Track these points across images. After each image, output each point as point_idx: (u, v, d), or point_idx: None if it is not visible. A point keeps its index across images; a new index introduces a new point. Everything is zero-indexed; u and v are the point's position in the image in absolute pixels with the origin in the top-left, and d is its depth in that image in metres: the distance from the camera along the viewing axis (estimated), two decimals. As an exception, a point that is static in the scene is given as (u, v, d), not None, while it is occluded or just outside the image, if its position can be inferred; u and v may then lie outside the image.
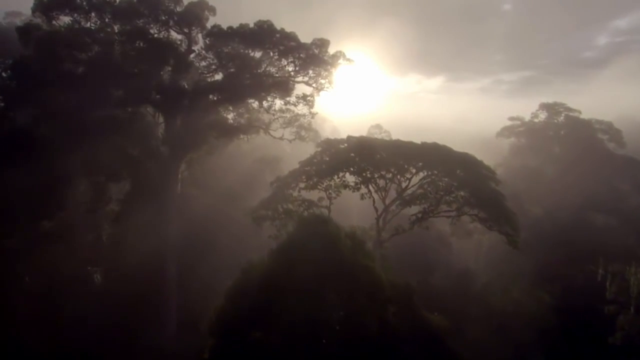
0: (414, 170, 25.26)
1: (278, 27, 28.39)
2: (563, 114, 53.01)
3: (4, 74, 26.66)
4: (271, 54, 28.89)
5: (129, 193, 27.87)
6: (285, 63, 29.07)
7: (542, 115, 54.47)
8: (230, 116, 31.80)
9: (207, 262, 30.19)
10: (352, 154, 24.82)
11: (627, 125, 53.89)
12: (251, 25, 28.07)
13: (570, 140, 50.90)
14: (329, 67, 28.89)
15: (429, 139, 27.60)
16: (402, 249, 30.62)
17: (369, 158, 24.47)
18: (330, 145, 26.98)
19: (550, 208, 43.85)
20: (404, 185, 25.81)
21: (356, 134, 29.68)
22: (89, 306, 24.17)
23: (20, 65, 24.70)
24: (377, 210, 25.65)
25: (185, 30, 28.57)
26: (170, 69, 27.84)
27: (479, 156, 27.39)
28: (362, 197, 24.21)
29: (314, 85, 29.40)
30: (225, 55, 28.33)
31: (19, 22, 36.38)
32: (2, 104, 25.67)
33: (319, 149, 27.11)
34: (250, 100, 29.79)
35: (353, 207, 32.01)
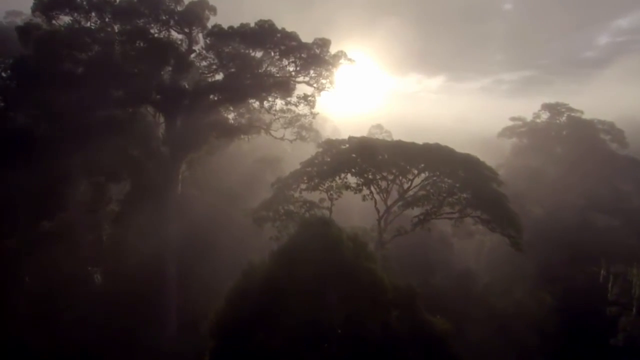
0: (415, 172, 25.13)
1: (279, 27, 28.29)
2: (565, 114, 52.80)
3: (3, 74, 26.54)
4: (272, 53, 28.77)
5: (129, 193, 27.81)
6: (286, 63, 28.95)
7: (544, 116, 54.27)
8: (230, 116, 31.74)
9: (208, 263, 30.12)
10: (354, 155, 24.70)
11: (628, 125, 53.60)
12: (252, 25, 27.95)
13: (572, 140, 50.71)
14: (330, 67, 28.77)
15: (430, 138, 27.51)
16: (403, 250, 30.53)
17: (370, 159, 24.35)
18: (331, 146, 26.86)
19: (552, 209, 43.71)
20: (405, 186, 25.68)
21: (357, 134, 29.60)
22: (89, 306, 24.12)
23: (20, 65, 24.62)
24: (378, 212, 25.54)
25: (186, 30, 28.45)
26: (170, 69, 27.73)
27: (480, 156, 27.28)
28: (364, 198, 24.08)
29: (315, 85, 29.27)
30: (226, 55, 28.21)
31: (19, 21, 36.27)
32: (2, 104, 25.56)
33: (320, 150, 27.00)
34: (251, 101, 29.67)
35: (354, 208, 31.93)
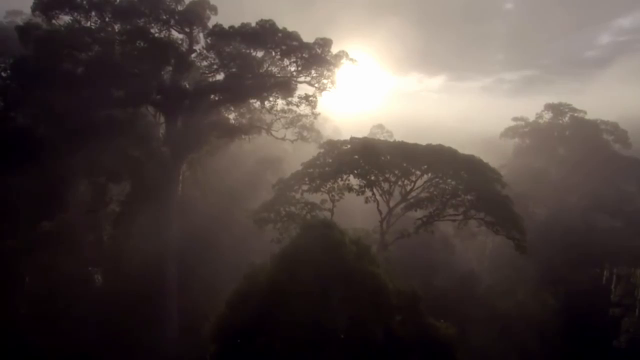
0: (418, 173, 24.92)
1: (280, 27, 28.08)
2: (568, 115, 52.46)
3: (3, 74, 26.40)
4: (273, 53, 28.58)
5: (130, 194, 27.73)
6: (288, 63, 28.77)
7: (547, 116, 53.94)
8: (231, 116, 31.60)
9: (209, 264, 30.02)
10: (356, 156, 24.50)
11: (630, 125, 53.20)
12: (253, 24, 27.74)
13: (575, 141, 50.40)
14: (331, 67, 28.56)
15: (431, 138, 27.35)
16: (405, 250, 30.35)
17: (373, 161, 24.13)
18: (333, 147, 26.68)
19: (555, 209, 43.52)
20: (408, 188, 25.48)
21: (358, 133, 29.45)
22: (89, 307, 24.05)
23: (20, 65, 24.48)
24: (381, 213, 25.36)
25: (187, 29, 28.26)
26: (171, 68, 27.58)
27: (482, 156, 27.15)
28: (367, 200, 23.85)
29: (316, 85, 29.08)
30: (226, 55, 28.03)
31: (19, 20, 36.11)
32: (2, 104, 25.44)
33: (322, 151, 26.82)
34: (252, 101, 29.49)
35: (356, 209, 31.72)
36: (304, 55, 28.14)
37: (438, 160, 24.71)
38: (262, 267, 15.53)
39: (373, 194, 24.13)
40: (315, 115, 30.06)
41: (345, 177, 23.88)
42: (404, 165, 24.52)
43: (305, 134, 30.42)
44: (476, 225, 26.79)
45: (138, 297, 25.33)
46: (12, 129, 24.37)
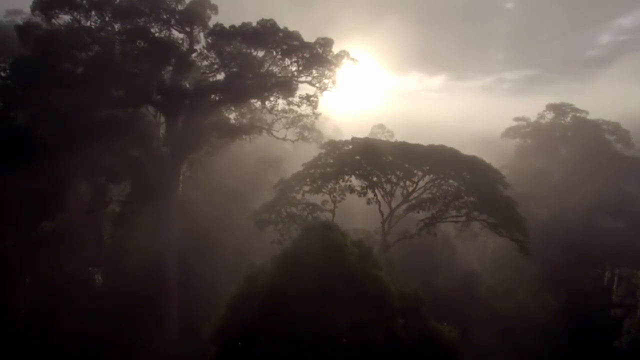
0: (420, 174, 24.75)
1: (281, 26, 27.93)
2: (570, 115, 52.23)
3: (3, 74, 26.30)
4: (274, 53, 28.43)
5: (130, 194, 27.66)
6: (289, 63, 28.60)
7: (549, 116, 53.70)
8: (232, 116, 31.44)
9: (209, 264, 29.96)
10: (358, 157, 24.34)
11: (631, 124, 52.97)
12: (254, 24, 27.58)
13: (577, 141, 50.18)
14: (332, 66, 28.41)
15: (431, 137, 27.23)
16: (407, 251, 30.30)
17: (375, 161, 23.96)
18: (334, 147, 26.54)
19: (557, 210, 43.40)
20: (410, 189, 25.32)
21: (358, 133, 29.30)
22: (89, 307, 24.02)
23: (19, 65, 24.38)
24: (382, 214, 25.22)
25: (187, 29, 28.11)
26: (171, 68, 27.46)
27: (483, 156, 27.03)
28: (369, 202, 23.68)
29: (317, 85, 28.93)
30: (227, 54, 27.88)
31: (19, 20, 35.99)
32: (2, 104, 25.35)
33: (323, 151, 26.67)
34: (253, 101, 29.34)
35: (357, 209, 31.63)
36: (305, 55, 27.99)
37: (440, 161, 24.55)
38: (262, 268, 15.45)
39: (375, 195, 23.96)
40: (317, 115, 29.91)
41: (346, 178, 23.72)
42: (406, 166, 24.36)
43: (306, 134, 30.27)
44: (479, 226, 26.63)
45: (138, 297, 25.28)
46: (12, 129, 24.30)
